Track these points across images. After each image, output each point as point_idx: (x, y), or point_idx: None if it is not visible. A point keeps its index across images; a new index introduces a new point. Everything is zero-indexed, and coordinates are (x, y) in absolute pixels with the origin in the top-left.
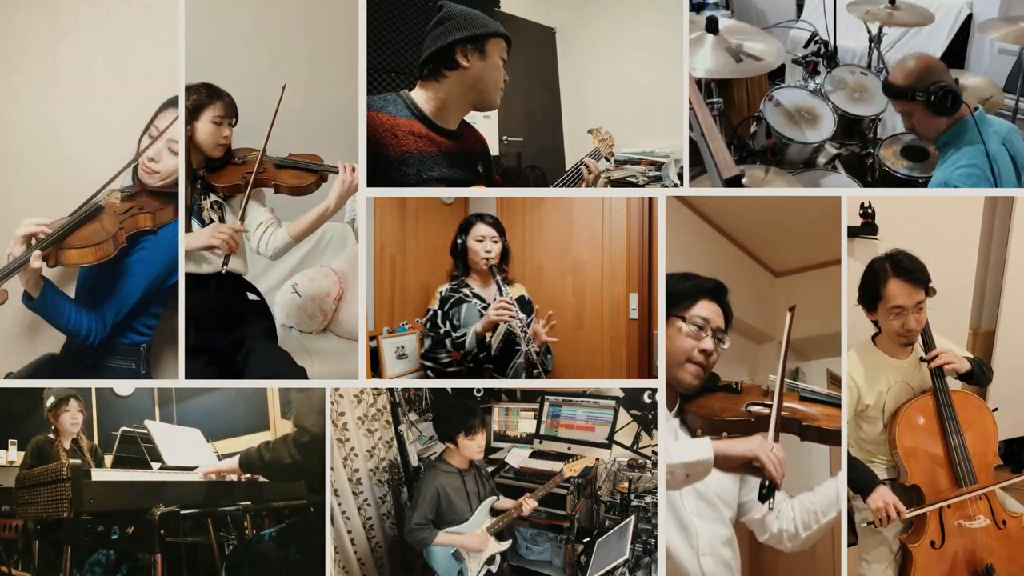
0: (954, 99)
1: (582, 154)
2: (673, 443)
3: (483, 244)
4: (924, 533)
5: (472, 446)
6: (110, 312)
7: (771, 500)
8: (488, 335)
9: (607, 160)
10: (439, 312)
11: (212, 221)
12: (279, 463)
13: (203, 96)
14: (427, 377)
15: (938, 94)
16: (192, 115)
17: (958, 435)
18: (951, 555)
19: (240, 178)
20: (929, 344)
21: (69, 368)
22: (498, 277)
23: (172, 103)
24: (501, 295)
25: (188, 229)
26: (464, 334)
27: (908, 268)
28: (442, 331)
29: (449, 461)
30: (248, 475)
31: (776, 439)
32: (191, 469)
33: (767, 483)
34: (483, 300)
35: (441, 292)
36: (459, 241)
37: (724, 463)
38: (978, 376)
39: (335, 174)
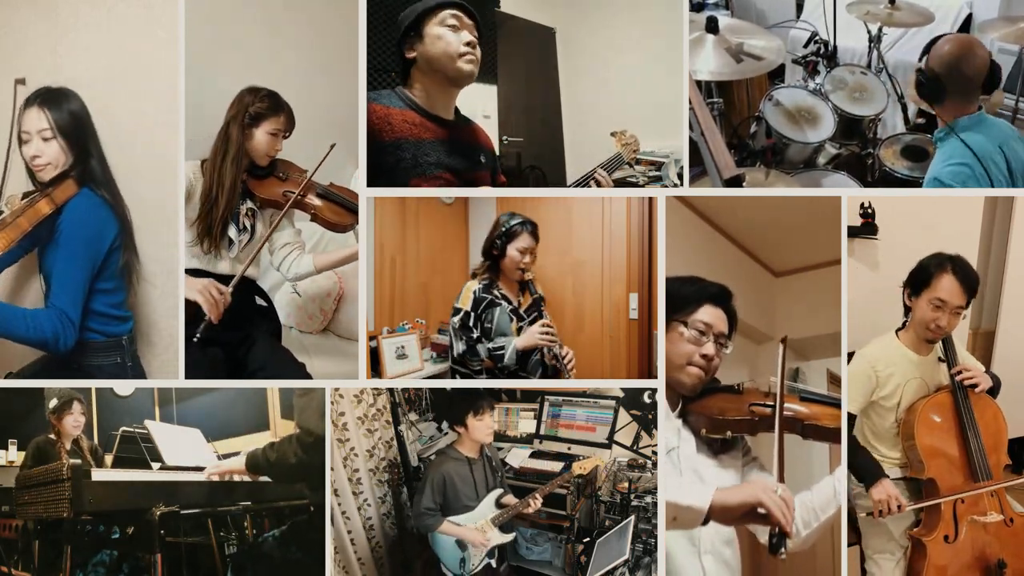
0: (924, 95)
1: (583, 154)
2: (679, 481)
3: (524, 257)
4: (938, 527)
5: (481, 427)
6: (66, 303)
7: (782, 550)
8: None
9: (630, 165)
10: (471, 314)
11: (245, 228)
12: (284, 462)
13: (267, 106)
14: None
15: (923, 77)
16: (252, 121)
17: (976, 433)
18: (964, 550)
19: (280, 195)
20: (952, 356)
21: (68, 368)
22: (537, 294)
23: (28, 102)
24: (541, 316)
25: (222, 231)
26: (502, 347)
27: (966, 273)
28: (474, 335)
29: (458, 449)
30: (253, 476)
31: (781, 479)
32: (191, 469)
33: (776, 531)
34: (510, 303)
35: (475, 292)
36: (498, 242)
37: (723, 514)
38: (995, 391)
39: None
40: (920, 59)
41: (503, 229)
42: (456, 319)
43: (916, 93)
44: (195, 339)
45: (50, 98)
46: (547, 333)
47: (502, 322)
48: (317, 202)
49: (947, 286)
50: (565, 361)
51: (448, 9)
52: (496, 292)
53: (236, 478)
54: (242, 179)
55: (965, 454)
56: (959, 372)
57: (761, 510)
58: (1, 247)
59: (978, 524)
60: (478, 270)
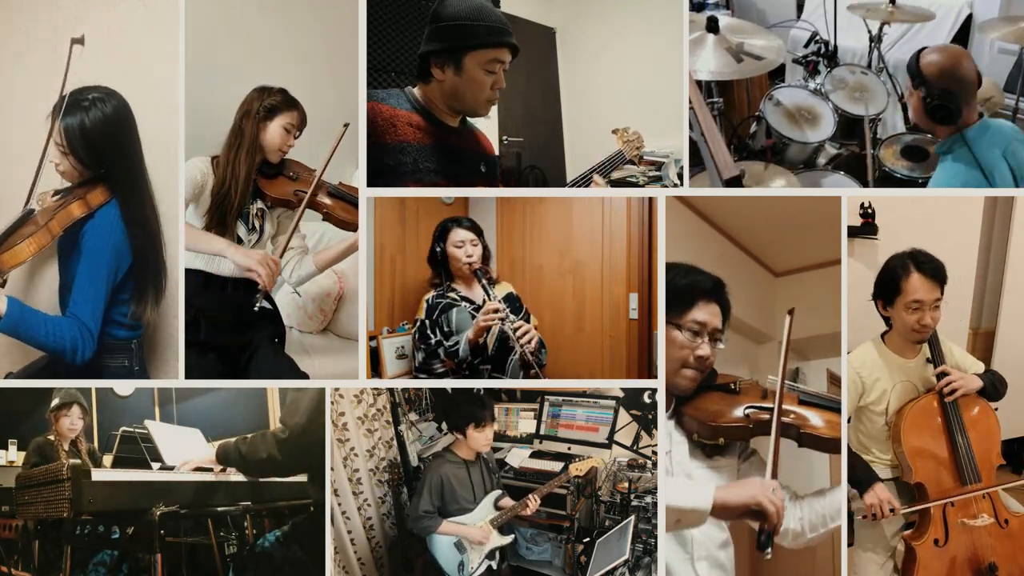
0: (944, 116)
1: (582, 154)
2: (674, 483)
3: (463, 249)
4: (928, 531)
5: (480, 439)
6: (87, 315)
7: (769, 549)
8: (481, 339)
9: (633, 163)
10: (427, 321)
11: (255, 228)
12: (255, 456)
13: (280, 100)
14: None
15: (935, 99)
16: (267, 115)
17: (963, 435)
18: (954, 553)
19: (292, 194)
20: (937, 355)
21: (68, 368)
22: (483, 280)
23: (53, 111)
24: (489, 299)
25: (230, 228)
26: (456, 343)
27: (929, 265)
28: (433, 341)
29: (456, 452)
30: (223, 467)
31: (775, 475)
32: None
33: (765, 530)
34: (471, 302)
35: (427, 300)
36: (437, 248)
37: (723, 512)
38: (991, 393)
39: None
40: (917, 85)
41: (436, 233)
42: (415, 331)
43: (928, 120)
44: (255, 308)
45: (68, 110)
46: (490, 314)
47: (461, 321)
48: (328, 201)
49: (918, 285)
50: (518, 335)
51: (503, 49)
52: (453, 295)
53: (213, 468)
54: (253, 177)
55: (953, 457)
56: (942, 375)
57: (756, 508)
58: (31, 252)
59: (969, 527)
60: (429, 279)
